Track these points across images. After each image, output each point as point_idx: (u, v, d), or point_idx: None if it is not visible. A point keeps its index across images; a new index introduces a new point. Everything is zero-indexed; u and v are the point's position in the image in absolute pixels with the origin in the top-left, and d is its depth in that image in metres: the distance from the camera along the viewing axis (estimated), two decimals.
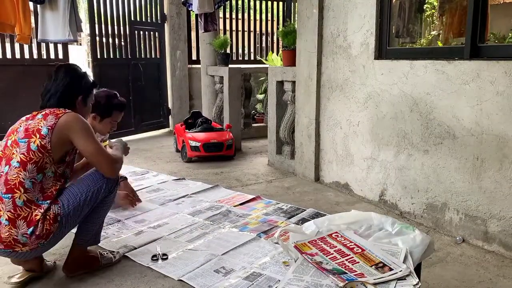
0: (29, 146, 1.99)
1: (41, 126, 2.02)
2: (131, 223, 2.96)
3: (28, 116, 2.15)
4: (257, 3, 7.86)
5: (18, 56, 5.65)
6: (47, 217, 1.99)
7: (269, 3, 7.82)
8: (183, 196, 3.52)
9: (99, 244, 2.46)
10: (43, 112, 2.10)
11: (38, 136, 2.00)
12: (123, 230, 2.83)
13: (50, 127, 2.02)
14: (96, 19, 5.72)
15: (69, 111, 2.12)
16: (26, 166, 1.97)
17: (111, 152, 2.28)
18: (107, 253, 2.39)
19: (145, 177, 4.11)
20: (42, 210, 1.97)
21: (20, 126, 2.10)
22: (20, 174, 1.96)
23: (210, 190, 3.72)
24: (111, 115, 2.93)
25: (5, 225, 1.94)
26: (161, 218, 3.04)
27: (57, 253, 2.48)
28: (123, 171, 3.78)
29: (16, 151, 2.00)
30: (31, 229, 1.95)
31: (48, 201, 2.00)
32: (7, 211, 1.94)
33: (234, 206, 3.30)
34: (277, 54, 7.27)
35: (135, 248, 2.57)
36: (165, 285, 2.19)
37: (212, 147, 4.72)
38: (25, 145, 2.00)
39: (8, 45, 5.59)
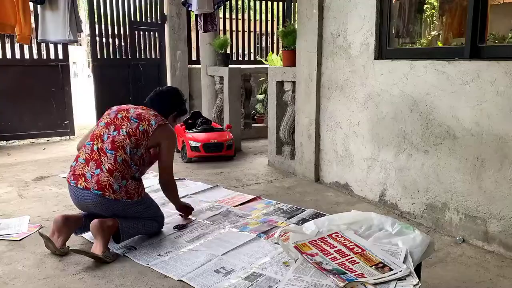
0: (138, 126, 2.59)
1: (151, 120, 2.63)
2: None
3: (136, 106, 2.75)
4: (257, 3, 7.87)
5: (18, 56, 5.65)
6: (140, 188, 2.61)
7: (269, 3, 7.82)
8: (183, 196, 3.50)
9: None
10: (153, 112, 2.70)
11: (147, 123, 2.61)
12: None
13: (158, 124, 2.63)
14: (96, 19, 5.73)
15: (169, 123, 2.76)
16: (130, 138, 2.55)
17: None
18: (110, 251, 2.48)
19: (144, 177, 4.05)
20: (133, 172, 2.56)
21: (131, 108, 2.69)
22: (125, 141, 2.54)
23: (210, 191, 3.72)
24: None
25: (105, 172, 2.47)
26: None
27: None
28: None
29: (127, 125, 2.59)
30: (124, 181, 2.50)
31: (137, 167, 2.59)
32: (108, 163, 2.49)
33: (234, 207, 3.30)
34: (277, 54, 7.27)
35: (135, 248, 2.57)
36: (165, 285, 2.19)
37: (212, 147, 4.72)
38: (135, 124, 2.59)
39: (8, 46, 5.60)
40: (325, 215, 3.14)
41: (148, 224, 2.69)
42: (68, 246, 2.51)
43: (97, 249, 2.40)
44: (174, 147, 2.80)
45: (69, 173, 2.61)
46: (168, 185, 2.86)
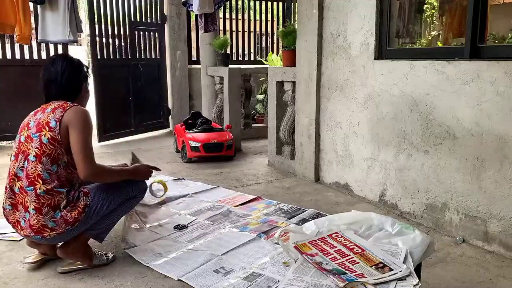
0: (41, 140, 2.15)
1: (50, 119, 2.17)
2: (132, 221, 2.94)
3: (37, 109, 2.28)
4: (257, 3, 7.87)
5: (18, 56, 5.65)
6: (77, 205, 2.18)
7: (269, 3, 7.82)
8: (184, 196, 3.51)
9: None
10: (52, 106, 2.23)
11: (47, 129, 2.15)
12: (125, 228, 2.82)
13: (57, 120, 2.16)
14: (96, 19, 5.72)
15: (76, 104, 2.27)
16: (41, 159, 2.14)
17: (120, 164, 2.60)
18: (100, 255, 2.41)
19: None
20: (63, 196, 2.16)
21: (31, 121, 2.24)
22: (38, 167, 2.13)
23: (211, 191, 3.72)
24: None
25: (33, 214, 2.13)
26: (163, 218, 3.04)
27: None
28: None
29: (32, 146, 2.16)
30: (58, 213, 2.14)
31: (65, 188, 2.18)
32: (32, 202, 2.13)
33: (235, 207, 3.30)
34: (277, 55, 7.27)
35: (135, 246, 2.57)
36: (165, 285, 2.19)
37: (212, 147, 4.72)
38: (37, 139, 2.15)
39: (8, 46, 5.60)
40: (326, 215, 3.15)
41: (121, 209, 2.38)
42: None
43: (84, 263, 2.34)
44: (87, 127, 2.20)
45: (4, 212, 2.25)
46: (98, 175, 2.23)
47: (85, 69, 2.41)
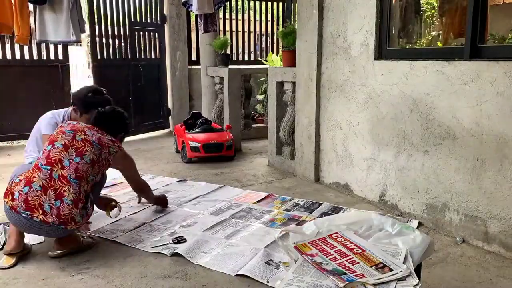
0: (101, 153, 2.50)
1: (110, 147, 2.56)
2: (158, 224, 2.96)
3: (87, 125, 2.60)
4: (257, 3, 7.87)
5: (18, 57, 5.65)
6: (91, 203, 2.50)
7: (269, 3, 7.82)
8: (197, 197, 3.54)
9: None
10: (110, 137, 2.61)
11: (107, 151, 2.54)
12: (154, 232, 2.83)
13: (115, 151, 2.58)
14: (96, 20, 5.72)
15: (123, 149, 2.70)
16: (94, 165, 2.46)
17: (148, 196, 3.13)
18: (85, 237, 2.66)
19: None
20: (89, 199, 2.47)
21: (87, 130, 2.53)
22: (89, 170, 2.43)
23: (219, 190, 3.75)
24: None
25: (68, 205, 2.31)
26: (187, 218, 3.06)
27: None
28: (116, 174, 3.79)
29: (90, 150, 2.45)
30: (84, 211, 2.40)
31: (91, 193, 2.53)
32: (73, 193, 2.34)
33: (253, 204, 3.38)
34: (277, 55, 7.27)
35: (184, 242, 2.62)
36: (165, 285, 2.19)
37: (212, 147, 4.72)
38: (99, 150, 2.49)
39: (8, 46, 5.60)
40: (342, 208, 3.27)
41: (95, 196, 2.65)
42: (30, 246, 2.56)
43: (74, 248, 2.52)
44: (134, 164, 2.84)
45: (11, 197, 2.33)
46: (143, 188, 3.02)
47: (128, 127, 2.89)
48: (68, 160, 2.38)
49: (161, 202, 3.23)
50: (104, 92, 3.05)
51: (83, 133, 2.50)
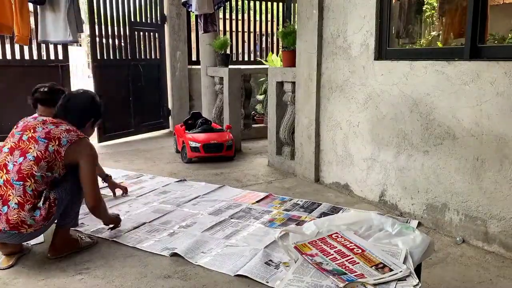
0: (47, 147, 2.29)
1: (62, 137, 2.33)
2: (158, 224, 2.95)
3: (44, 119, 2.41)
4: (257, 4, 7.87)
5: (18, 57, 5.65)
6: (49, 200, 2.28)
7: (269, 4, 7.82)
8: (196, 197, 3.54)
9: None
10: (67, 127, 2.39)
11: (57, 143, 2.31)
12: (154, 232, 2.82)
13: (69, 141, 2.33)
14: (96, 20, 5.72)
15: (86, 136, 2.47)
16: (40, 162, 2.26)
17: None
18: (85, 237, 2.64)
19: (142, 180, 4.06)
20: (43, 199, 2.27)
21: (38, 126, 2.36)
22: (34, 168, 2.24)
23: (219, 190, 3.75)
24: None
25: (14, 208, 2.19)
26: (187, 218, 3.06)
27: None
28: (114, 174, 3.81)
29: (34, 147, 2.28)
30: (37, 212, 2.23)
31: (47, 194, 2.29)
32: (17, 196, 2.20)
33: (252, 204, 3.37)
34: (277, 55, 7.27)
35: (175, 248, 2.58)
36: (165, 285, 2.19)
37: (212, 148, 4.72)
38: (44, 144, 2.29)
39: (8, 46, 5.60)
40: (341, 208, 3.26)
41: (78, 197, 2.48)
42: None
43: (74, 249, 2.52)
44: (94, 162, 2.45)
45: None
46: (97, 210, 2.52)
47: (100, 109, 2.63)
48: (13, 163, 2.26)
49: (114, 223, 2.80)
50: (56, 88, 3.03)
51: (32, 131, 2.33)
